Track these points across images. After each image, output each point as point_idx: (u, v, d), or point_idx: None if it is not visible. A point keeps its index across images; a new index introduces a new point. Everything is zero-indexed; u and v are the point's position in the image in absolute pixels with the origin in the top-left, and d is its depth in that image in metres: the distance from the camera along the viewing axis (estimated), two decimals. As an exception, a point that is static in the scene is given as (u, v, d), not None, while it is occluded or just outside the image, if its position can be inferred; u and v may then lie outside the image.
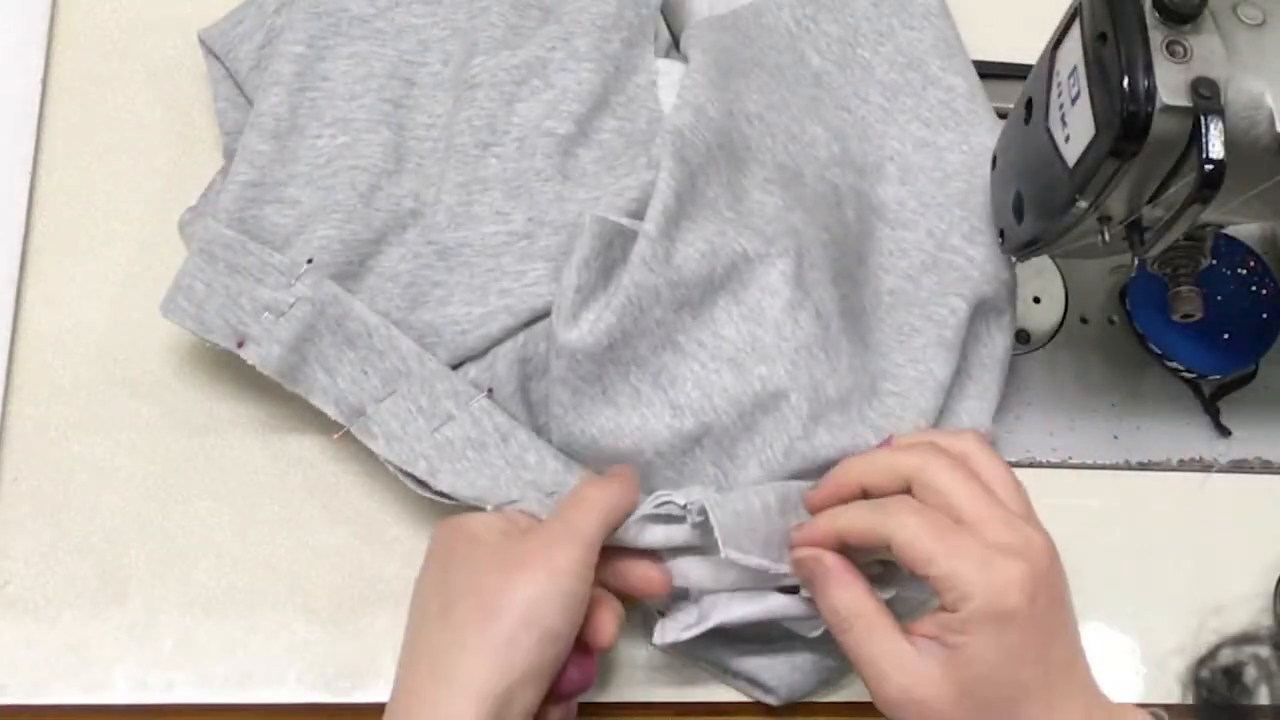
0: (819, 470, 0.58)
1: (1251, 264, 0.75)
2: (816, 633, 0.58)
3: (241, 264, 0.60)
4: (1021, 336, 0.73)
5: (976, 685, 0.49)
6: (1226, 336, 0.73)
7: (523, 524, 0.56)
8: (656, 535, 0.56)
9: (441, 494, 0.58)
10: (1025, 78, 0.63)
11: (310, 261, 0.60)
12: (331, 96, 0.64)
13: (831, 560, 0.53)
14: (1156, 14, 0.53)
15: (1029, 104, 0.62)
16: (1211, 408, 0.73)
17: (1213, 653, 0.60)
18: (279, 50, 0.64)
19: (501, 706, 0.49)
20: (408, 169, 0.63)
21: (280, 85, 0.63)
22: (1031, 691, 0.50)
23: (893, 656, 0.50)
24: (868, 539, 0.52)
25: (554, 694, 0.53)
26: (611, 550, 0.55)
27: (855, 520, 0.53)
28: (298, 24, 0.65)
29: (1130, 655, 0.66)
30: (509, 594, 0.51)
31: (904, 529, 0.50)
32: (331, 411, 0.60)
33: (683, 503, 0.55)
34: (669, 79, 0.67)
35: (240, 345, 0.59)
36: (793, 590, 0.57)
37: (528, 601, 0.51)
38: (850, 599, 0.52)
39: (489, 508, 0.58)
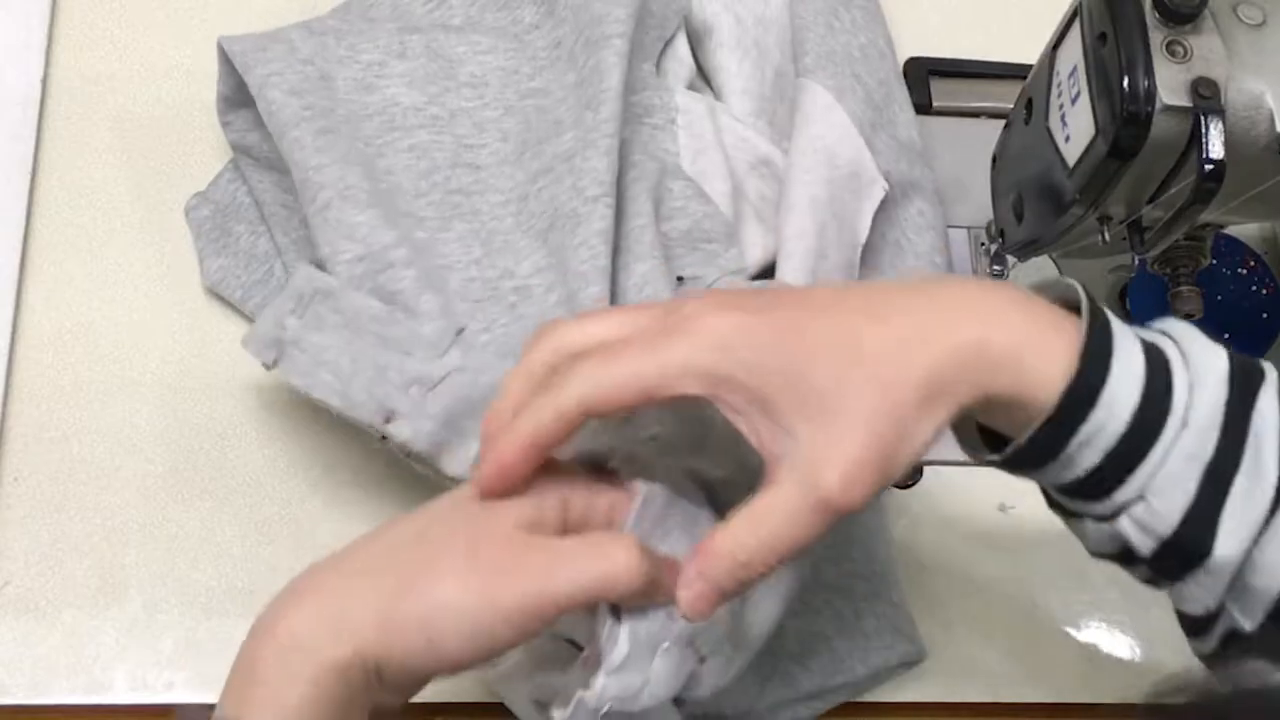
0: None
1: (1251, 264, 0.75)
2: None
3: (390, 335, 0.56)
4: (1021, 336, 0.73)
5: (773, 393, 0.42)
6: (1226, 336, 0.72)
7: (550, 523, 0.46)
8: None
9: None
10: (1025, 78, 0.63)
11: (460, 332, 0.57)
12: (399, 193, 0.63)
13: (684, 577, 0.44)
14: (1156, 14, 0.53)
15: (1029, 104, 0.62)
16: (1211, 408, 0.73)
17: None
18: (337, 152, 0.62)
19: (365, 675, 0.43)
20: (494, 248, 0.63)
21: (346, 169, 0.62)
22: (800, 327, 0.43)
23: (767, 508, 0.43)
24: (557, 424, 0.44)
25: None
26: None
27: (533, 415, 0.44)
28: (351, 125, 0.64)
29: (1130, 655, 0.66)
30: (431, 582, 0.43)
31: (584, 378, 0.43)
32: None
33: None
34: (688, 117, 0.67)
35: (387, 421, 0.56)
36: None
37: (441, 606, 0.43)
38: (724, 537, 0.43)
39: None
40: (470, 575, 0.43)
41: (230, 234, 0.67)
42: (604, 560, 0.43)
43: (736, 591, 0.44)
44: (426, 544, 0.44)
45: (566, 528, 0.46)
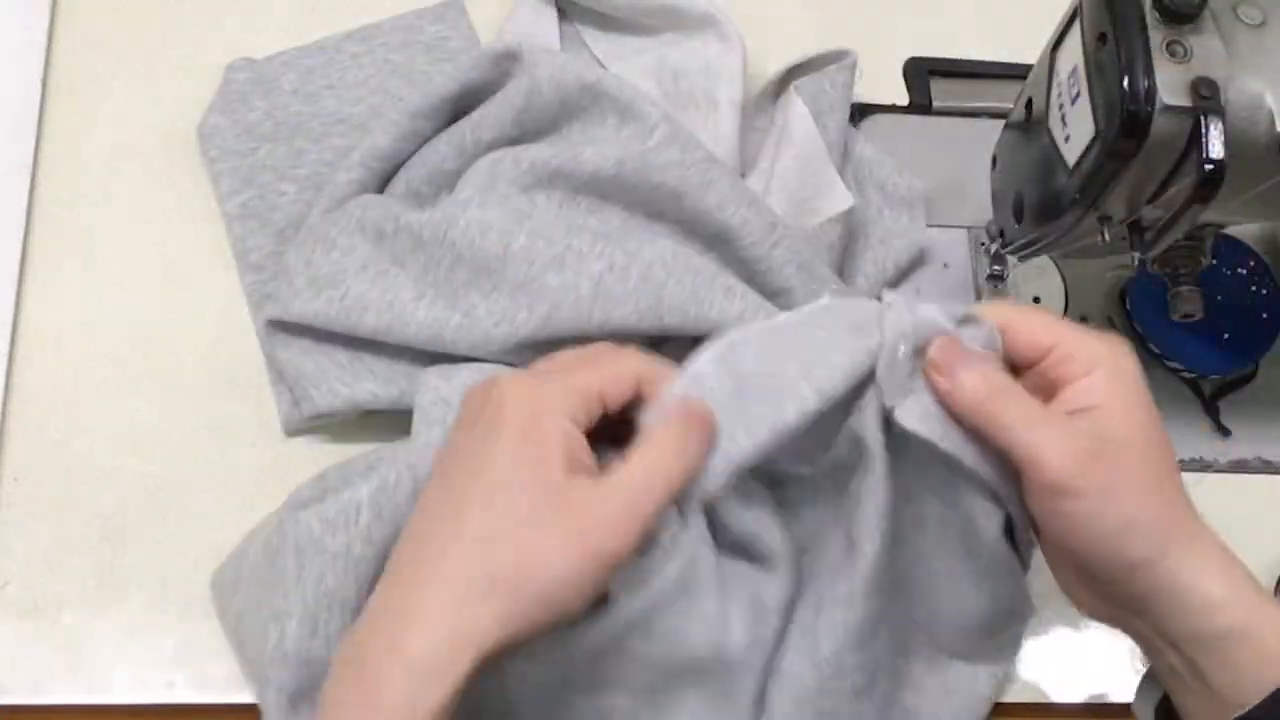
0: None
1: (1251, 264, 0.75)
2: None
3: None
4: (1021, 336, 0.73)
5: (1141, 437, 0.48)
6: (1226, 336, 0.73)
7: (585, 463, 0.47)
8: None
9: None
10: (1025, 78, 0.63)
11: None
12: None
13: (952, 345, 0.49)
14: (1156, 14, 0.53)
15: (1029, 104, 0.62)
16: (1211, 408, 0.73)
17: None
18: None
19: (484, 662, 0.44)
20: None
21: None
22: (1174, 464, 0.49)
23: (1054, 415, 0.48)
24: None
25: None
26: None
27: (970, 308, 0.51)
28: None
29: (1130, 655, 0.66)
30: (546, 563, 0.44)
31: (1017, 310, 0.51)
32: None
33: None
34: None
35: None
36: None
37: (562, 578, 0.44)
38: (987, 371, 0.49)
39: None
40: (570, 542, 0.44)
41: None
42: (670, 467, 0.47)
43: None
44: (509, 525, 0.45)
45: (605, 405, 0.48)
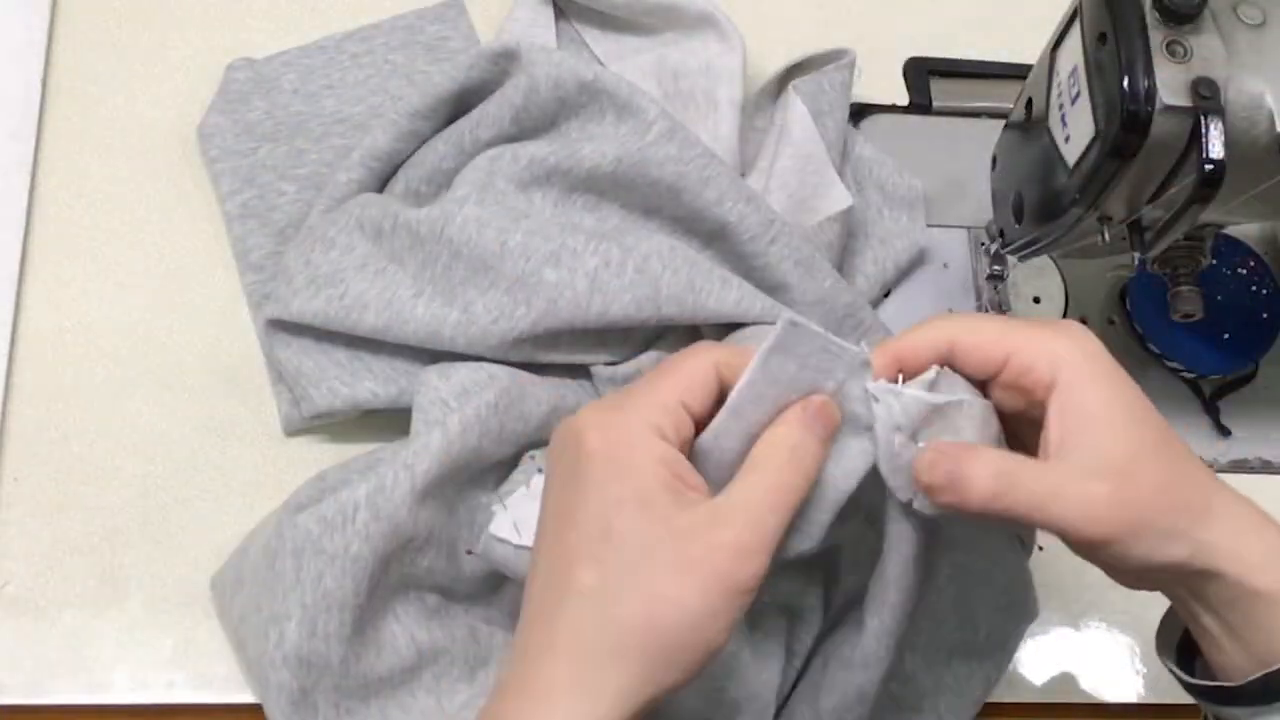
0: None
1: (1251, 264, 0.75)
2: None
3: None
4: (1021, 336, 0.73)
5: (1140, 436, 0.46)
6: (1226, 336, 0.73)
7: (690, 480, 0.44)
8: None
9: None
10: (1025, 78, 0.63)
11: None
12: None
13: (948, 446, 0.46)
14: (1156, 14, 0.53)
15: (1029, 104, 0.62)
16: (1211, 408, 0.73)
17: None
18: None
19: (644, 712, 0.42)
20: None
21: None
22: (1164, 422, 0.47)
23: (1072, 473, 0.45)
24: (928, 348, 0.48)
25: None
26: None
27: (910, 339, 0.48)
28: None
29: (1130, 655, 0.66)
30: (677, 605, 0.41)
31: (964, 323, 0.48)
32: None
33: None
34: None
35: None
36: None
37: (695, 621, 0.41)
38: (989, 467, 0.45)
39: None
40: (696, 577, 0.41)
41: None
42: (790, 480, 0.44)
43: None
44: (623, 574, 0.42)
45: (692, 411, 0.46)
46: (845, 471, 0.48)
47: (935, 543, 0.54)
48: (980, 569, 0.58)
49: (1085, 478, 0.45)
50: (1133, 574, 0.48)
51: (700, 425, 0.46)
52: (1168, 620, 0.52)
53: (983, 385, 0.49)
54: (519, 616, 0.45)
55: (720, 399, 0.46)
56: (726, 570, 0.41)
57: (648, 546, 0.41)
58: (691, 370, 0.46)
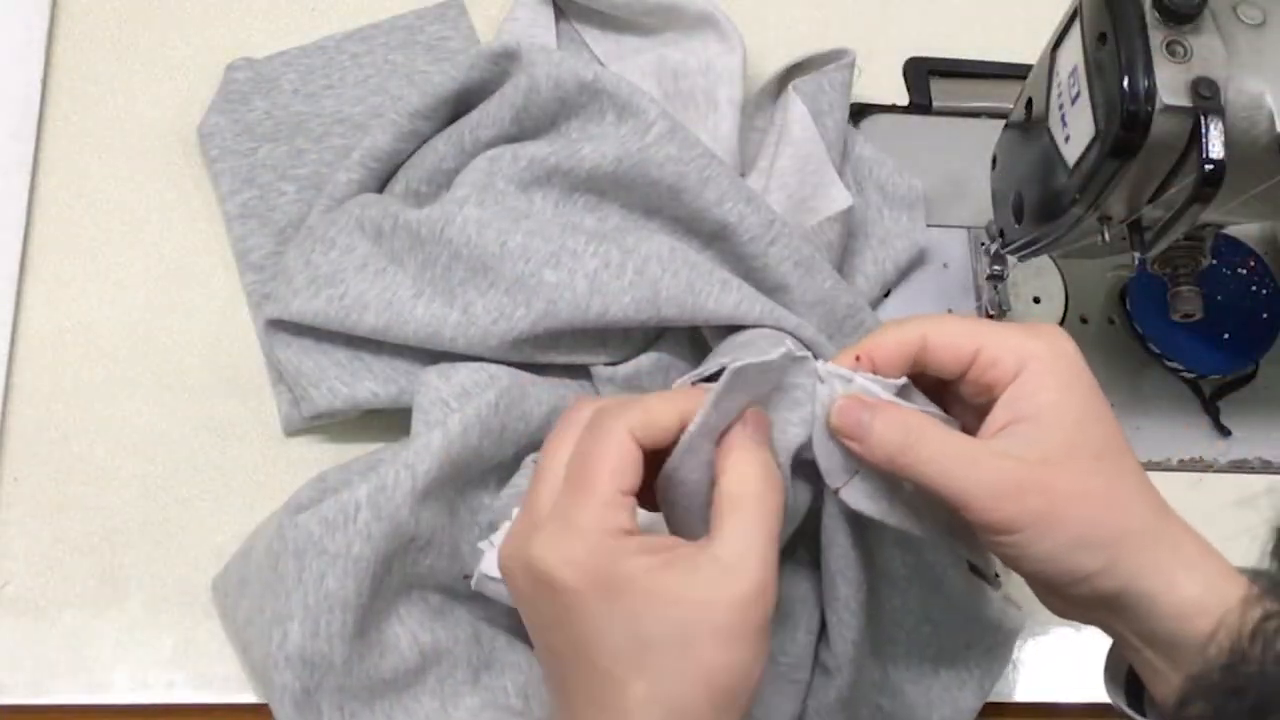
0: None
1: (1251, 264, 0.75)
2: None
3: None
4: (1021, 336, 0.73)
5: (1081, 439, 0.45)
6: (1226, 336, 0.73)
7: (669, 543, 0.45)
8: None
9: None
10: (1025, 78, 0.63)
11: None
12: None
13: (852, 403, 0.47)
14: (1156, 14, 0.53)
15: (1029, 104, 0.62)
16: (1211, 408, 0.73)
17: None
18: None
19: None
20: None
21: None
22: (1123, 442, 0.46)
23: (990, 447, 0.45)
24: (896, 349, 0.48)
25: None
26: None
27: (880, 335, 0.48)
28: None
29: (1130, 655, 0.66)
30: (729, 667, 0.42)
31: (935, 321, 0.48)
32: None
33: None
34: None
35: None
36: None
37: (747, 668, 0.43)
38: (896, 418, 0.46)
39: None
40: (741, 636, 0.42)
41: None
42: (754, 514, 0.44)
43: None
44: (676, 662, 0.42)
45: (633, 491, 0.45)
46: (782, 449, 0.48)
47: (876, 535, 0.54)
48: (936, 572, 0.58)
49: (1001, 455, 0.45)
50: (1045, 582, 0.46)
51: (639, 493, 0.46)
52: (1114, 651, 0.51)
53: (952, 385, 0.49)
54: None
55: (648, 460, 0.46)
56: (758, 615, 0.43)
57: (682, 634, 0.42)
58: (614, 454, 0.45)
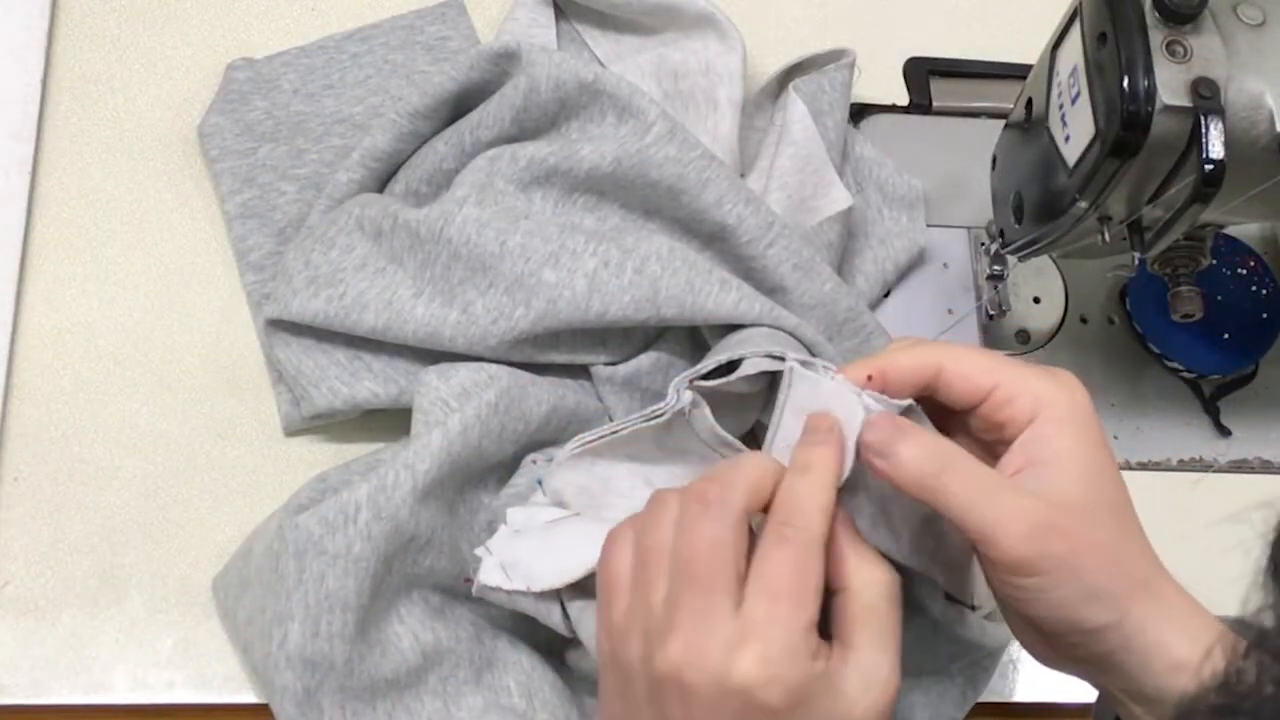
0: None
1: (1251, 264, 0.75)
2: None
3: None
4: (1021, 337, 0.73)
5: (1095, 492, 0.45)
6: (1226, 336, 0.73)
7: (814, 647, 0.44)
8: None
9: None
10: (1025, 78, 0.63)
11: None
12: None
13: (886, 420, 0.46)
14: (1156, 14, 0.53)
15: (1029, 104, 0.62)
16: (1211, 408, 0.73)
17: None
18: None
19: None
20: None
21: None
22: (1128, 498, 0.46)
23: (1014, 485, 0.45)
24: (911, 373, 0.47)
25: None
26: None
27: (896, 355, 0.48)
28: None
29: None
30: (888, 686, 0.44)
31: (953, 351, 0.47)
32: None
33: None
34: None
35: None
36: None
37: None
38: (929, 444, 0.45)
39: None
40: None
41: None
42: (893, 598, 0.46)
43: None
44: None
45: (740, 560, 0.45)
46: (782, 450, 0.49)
47: None
48: (917, 593, 0.58)
49: (1027, 494, 0.45)
50: (1049, 630, 0.46)
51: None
52: (1101, 701, 0.50)
53: (961, 416, 0.48)
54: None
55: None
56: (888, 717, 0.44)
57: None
58: (787, 563, 0.44)
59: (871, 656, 0.44)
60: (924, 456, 0.45)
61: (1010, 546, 0.44)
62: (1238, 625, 0.41)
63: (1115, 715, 0.49)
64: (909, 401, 0.48)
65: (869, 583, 0.45)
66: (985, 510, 0.44)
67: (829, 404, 0.48)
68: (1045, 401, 0.46)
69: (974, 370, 0.47)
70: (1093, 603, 0.44)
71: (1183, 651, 0.44)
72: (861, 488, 0.49)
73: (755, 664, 0.42)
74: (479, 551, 0.55)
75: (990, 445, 0.48)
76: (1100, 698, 0.50)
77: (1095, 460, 0.46)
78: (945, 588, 0.54)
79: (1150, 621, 0.44)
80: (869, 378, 0.48)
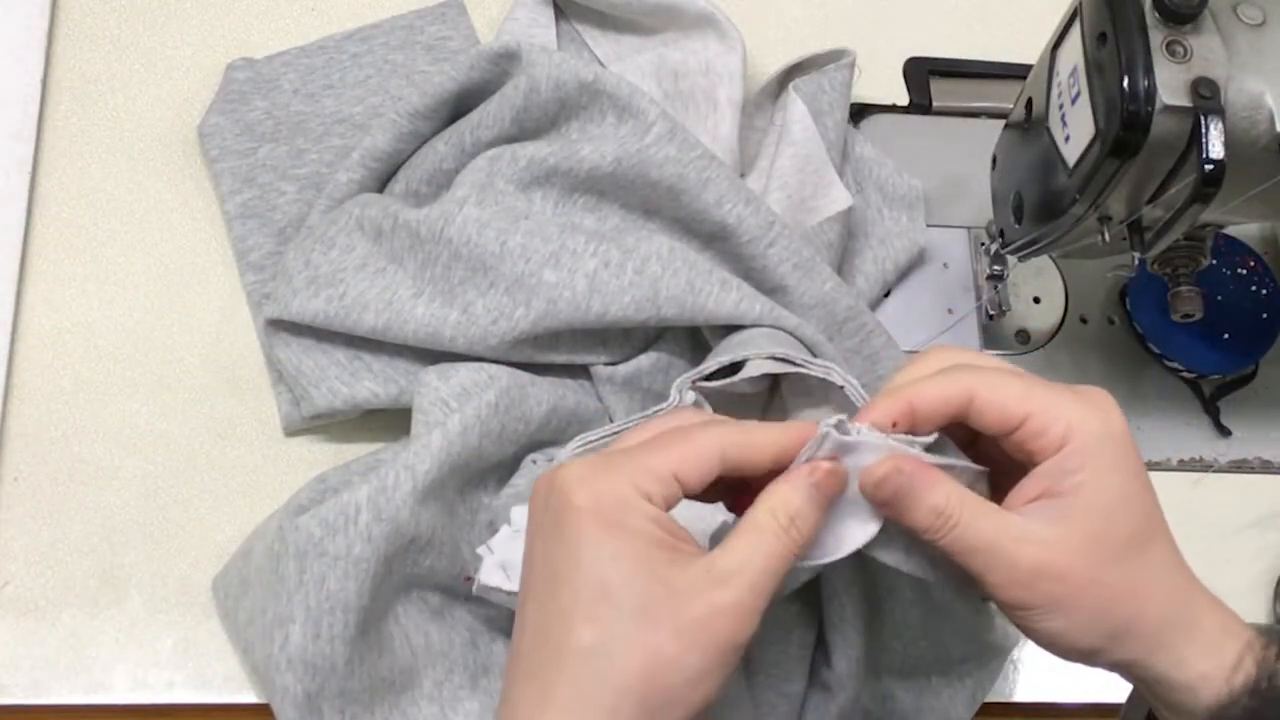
0: None
1: (1251, 264, 0.75)
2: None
3: None
4: (1021, 337, 0.73)
5: (1107, 528, 0.45)
6: (1226, 336, 0.73)
7: (682, 535, 0.43)
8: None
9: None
10: (1025, 78, 0.63)
11: None
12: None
13: (910, 463, 0.45)
14: (1156, 14, 0.53)
15: (1029, 104, 0.62)
16: (1211, 408, 0.73)
17: None
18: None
19: None
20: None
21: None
22: (1157, 526, 0.46)
23: (1012, 530, 0.44)
24: (941, 404, 0.46)
25: None
26: None
27: (925, 386, 0.46)
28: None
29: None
30: (676, 665, 0.41)
31: (986, 379, 0.46)
32: None
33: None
34: None
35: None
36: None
37: (694, 679, 0.41)
38: (949, 491, 0.45)
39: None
40: (695, 637, 0.41)
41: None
42: (768, 546, 0.43)
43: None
44: (623, 630, 0.41)
45: (684, 485, 0.44)
46: (838, 538, 0.47)
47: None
48: (942, 599, 0.58)
49: (1021, 540, 0.44)
50: (1058, 653, 0.46)
51: (691, 497, 0.45)
52: (1134, 697, 0.51)
53: (992, 441, 0.48)
54: (506, 669, 0.44)
55: (720, 484, 0.45)
56: (726, 632, 0.41)
57: (646, 605, 0.41)
58: (697, 450, 0.44)
59: (729, 560, 0.42)
60: (926, 506, 0.45)
61: (999, 587, 0.45)
62: (1268, 631, 0.42)
63: (1148, 712, 0.50)
64: (934, 436, 0.47)
65: (772, 502, 0.44)
66: (980, 556, 0.45)
67: (859, 461, 0.47)
68: (1075, 429, 0.45)
69: (1008, 399, 0.46)
70: (1089, 633, 0.45)
71: (1202, 669, 0.45)
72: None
73: (578, 466, 0.43)
74: (480, 551, 0.55)
75: (1018, 464, 0.47)
76: (1131, 695, 0.51)
77: (1119, 494, 0.45)
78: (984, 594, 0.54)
79: (1160, 649, 0.45)
80: (894, 424, 0.47)
